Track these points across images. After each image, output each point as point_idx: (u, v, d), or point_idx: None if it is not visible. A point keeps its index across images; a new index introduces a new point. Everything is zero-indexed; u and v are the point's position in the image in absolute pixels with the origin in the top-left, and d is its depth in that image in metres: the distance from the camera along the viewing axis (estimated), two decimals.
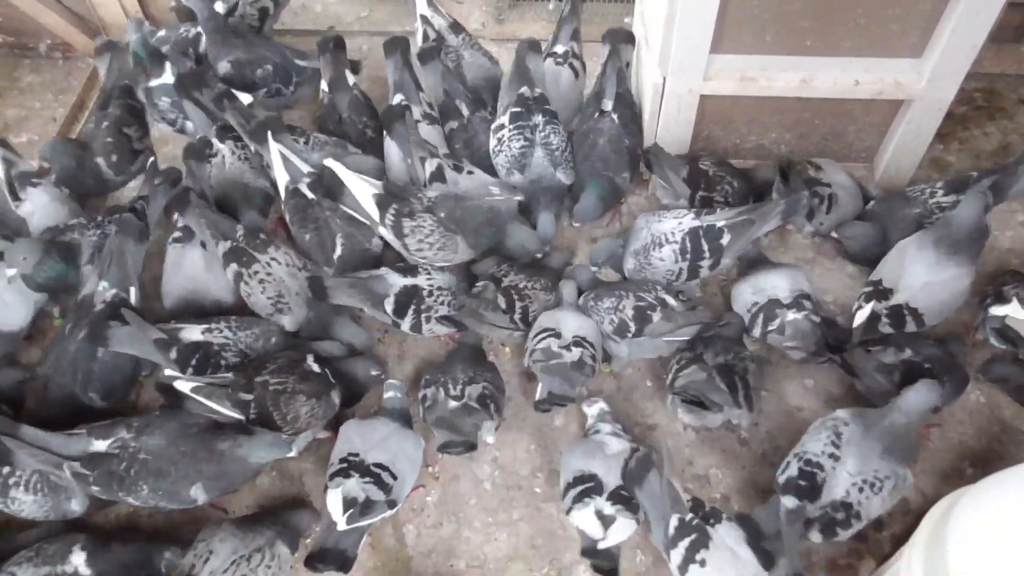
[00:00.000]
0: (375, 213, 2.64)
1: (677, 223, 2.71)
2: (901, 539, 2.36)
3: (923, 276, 2.56)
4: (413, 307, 2.58)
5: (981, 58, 2.77)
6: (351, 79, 3.18)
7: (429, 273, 2.66)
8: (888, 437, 2.20)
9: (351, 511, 2.18)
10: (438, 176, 2.84)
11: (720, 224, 2.66)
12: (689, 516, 2.13)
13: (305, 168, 2.81)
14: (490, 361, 2.67)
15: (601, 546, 2.21)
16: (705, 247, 2.67)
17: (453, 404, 2.43)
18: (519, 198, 2.76)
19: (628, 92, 3.07)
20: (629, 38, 3.11)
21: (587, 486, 2.26)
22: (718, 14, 2.59)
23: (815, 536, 2.17)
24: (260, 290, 2.63)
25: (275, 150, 2.78)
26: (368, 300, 2.57)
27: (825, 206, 2.89)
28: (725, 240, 2.65)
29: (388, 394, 2.55)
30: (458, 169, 2.87)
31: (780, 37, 2.72)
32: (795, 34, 2.71)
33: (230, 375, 2.41)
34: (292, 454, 2.31)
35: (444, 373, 2.52)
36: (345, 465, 2.29)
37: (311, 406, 2.38)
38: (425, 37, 3.31)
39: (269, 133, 2.80)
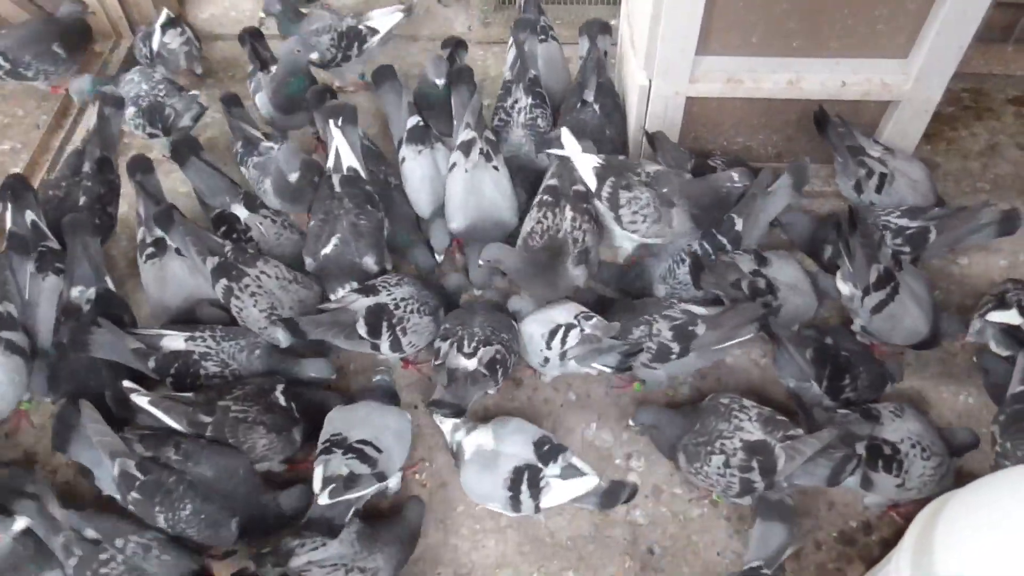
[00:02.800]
0: (593, 184, 2.68)
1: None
2: (890, 543, 2.36)
3: None
4: (386, 323, 2.51)
5: (969, 58, 2.77)
6: (359, 130, 3.06)
7: (388, 289, 2.59)
8: None
9: (332, 486, 2.18)
10: (465, 149, 2.81)
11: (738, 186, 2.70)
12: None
13: (348, 163, 2.78)
14: (511, 321, 2.63)
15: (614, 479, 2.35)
16: (722, 239, 2.70)
17: (463, 364, 2.41)
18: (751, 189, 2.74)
19: (609, 81, 3.13)
20: (605, 28, 3.19)
21: (531, 474, 2.30)
22: (704, 16, 2.58)
23: None
24: (252, 303, 2.57)
25: (337, 134, 2.76)
26: (340, 331, 2.47)
27: (875, 183, 2.84)
28: (739, 225, 2.68)
29: (377, 377, 2.58)
30: (488, 157, 2.82)
31: (767, 38, 2.71)
32: (782, 35, 2.70)
33: (192, 394, 2.38)
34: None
35: (463, 325, 2.51)
36: (328, 444, 2.30)
37: (269, 440, 2.36)
38: None
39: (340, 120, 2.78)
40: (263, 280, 2.61)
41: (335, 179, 2.77)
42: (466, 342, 2.46)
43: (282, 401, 2.42)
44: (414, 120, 2.99)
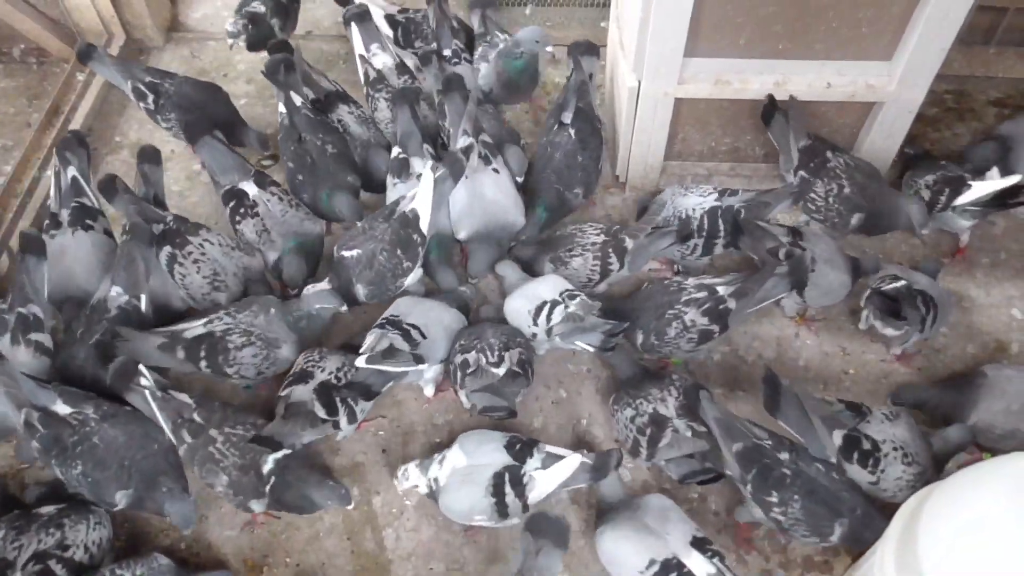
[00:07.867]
0: None
1: (700, 200, 2.82)
2: None
3: None
4: (339, 399, 2.43)
5: (951, 60, 2.83)
6: (297, 101, 3.01)
7: (319, 366, 2.49)
8: None
9: (370, 354, 2.38)
10: (464, 154, 2.81)
11: (738, 205, 2.76)
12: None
13: (419, 208, 2.65)
14: (517, 329, 2.64)
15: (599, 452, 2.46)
16: (721, 226, 2.76)
17: (495, 371, 2.44)
18: None
19: (589, 106, 3.02)
20: (590, 49, 3.09)
21: (512, 474, 2.32)
22: (692, 18, 2.62)
23: None
24: (195, 270, 2.66)
25: (429, 179, 2.63)
26: (307, 422, 2.37)
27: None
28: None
29: (462, 288, 2.84)
30: (486, 160, 2.85)
31: (754, 40, 2.76)
32: (769, 37, 2.74)
33: (193, 406, 2.36)
34: (187, 531, 2.39)
35: (479, 339, 2.53)
36: (383, 321, 2.51)
37: (226, 490, 2.32)
38: (366, 77, 3.27)
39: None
40: (206, 248, 2.70)
41: (398, 210, 2.69)
42: (488, 353, 2.47)
43: (265, 469, 2.31)
44: (396, 150, 2.94)
